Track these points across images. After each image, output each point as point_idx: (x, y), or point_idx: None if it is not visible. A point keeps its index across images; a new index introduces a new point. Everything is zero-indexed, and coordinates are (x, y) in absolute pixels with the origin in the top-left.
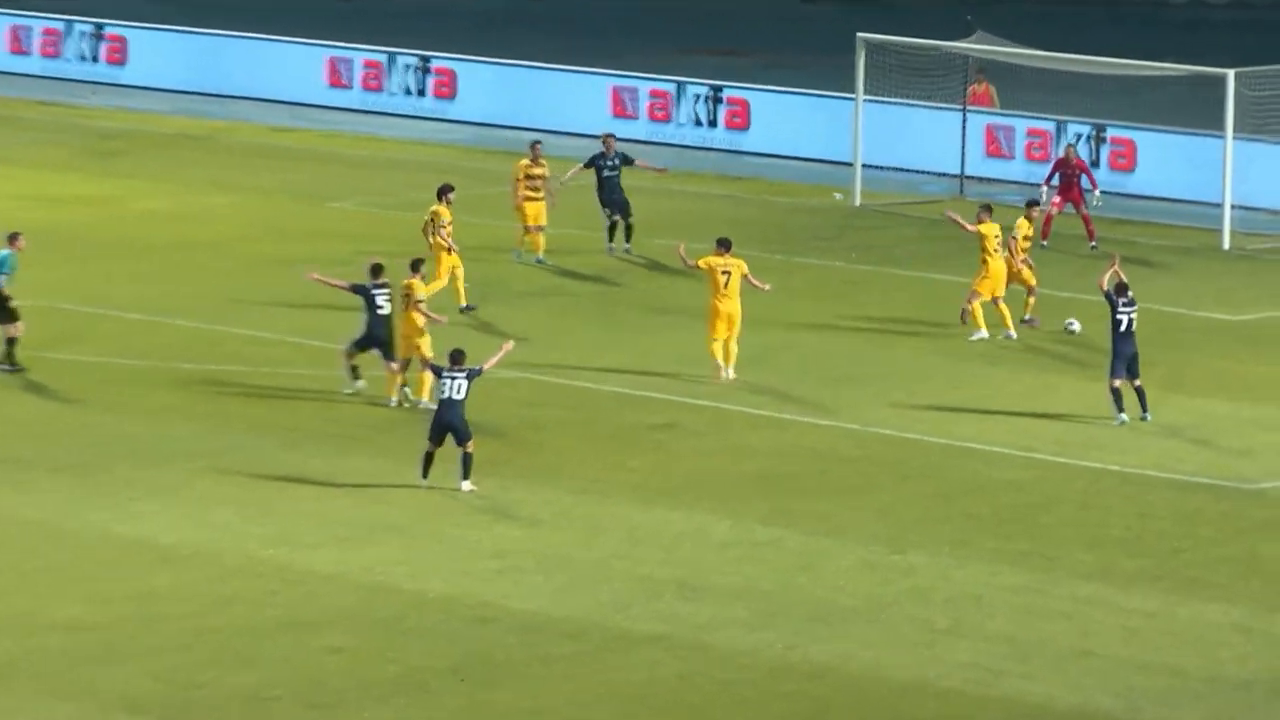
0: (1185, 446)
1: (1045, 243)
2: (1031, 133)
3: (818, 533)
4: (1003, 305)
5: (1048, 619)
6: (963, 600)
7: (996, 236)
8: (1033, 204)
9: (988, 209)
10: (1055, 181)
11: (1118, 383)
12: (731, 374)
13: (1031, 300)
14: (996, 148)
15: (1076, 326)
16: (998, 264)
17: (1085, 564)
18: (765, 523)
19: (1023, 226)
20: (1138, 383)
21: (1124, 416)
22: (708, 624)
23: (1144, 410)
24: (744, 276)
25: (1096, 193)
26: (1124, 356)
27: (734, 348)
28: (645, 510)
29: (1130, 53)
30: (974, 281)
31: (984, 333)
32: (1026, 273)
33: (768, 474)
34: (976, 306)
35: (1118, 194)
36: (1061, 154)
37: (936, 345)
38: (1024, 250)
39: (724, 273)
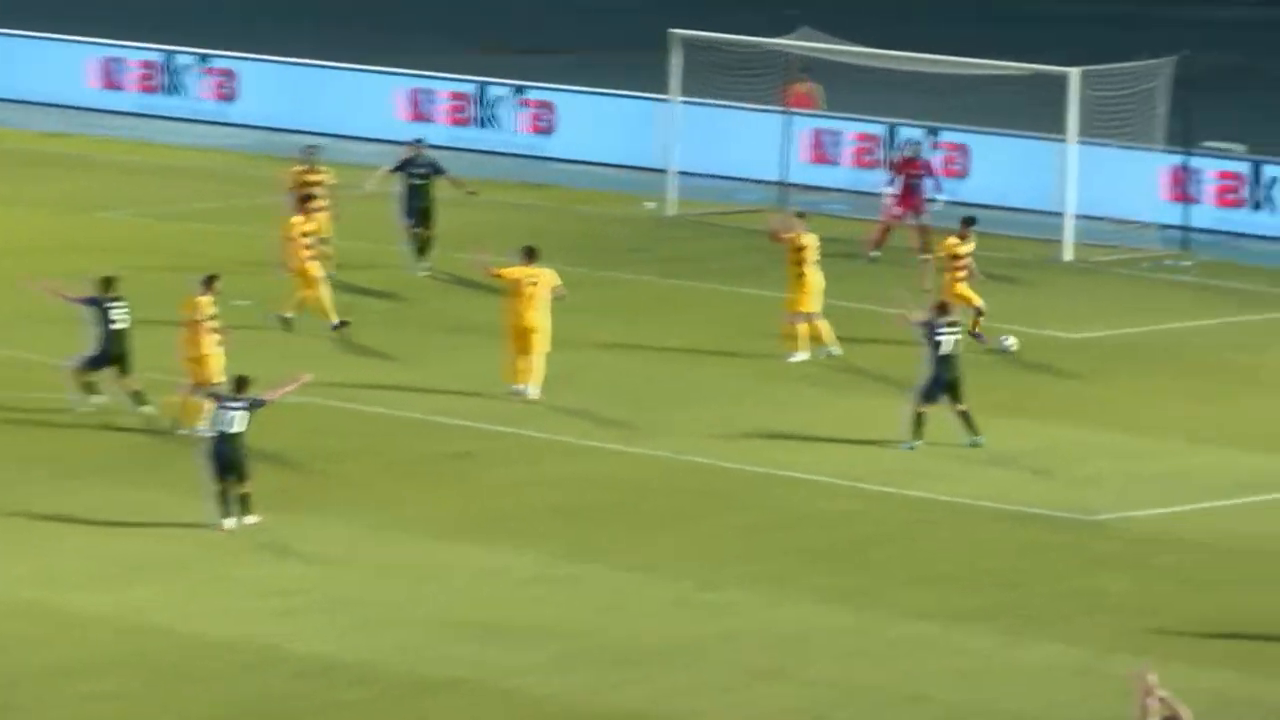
0: (1023, 475)
1: (877, 253)
2: (859, 137)
3: (627, 569)
4: (819, 322)
5: (875, 661)
6: (783, 642)
7: (816, 248)
8: (969, 221)
9: (801, 217)
10: (894, 187)
11: (925, 408)
12: (536, 392)
13: (980, 320)
14: (821, 153)
15: (1011, 343)
16: (815, 277)
17: (915, 602)
18: (570, 558)
19: (955, 244)
20: (961, 406)
21: (917, 444)
22: (508, 668)
23: (974, 434)
24: (550, 289)
25: (941, 198)
26: (942, 382)
27: (540, 365)
28: (441, 545)
29: (966, 50)
30: (793, 299)
31: (803, 354)
32: (964, 290)
33: (573, 505)
34: (802, 328)
35: (951, 202)
36: (905, 154)
37: (755, 366)
38: (962, 268)
39: (530, 284)
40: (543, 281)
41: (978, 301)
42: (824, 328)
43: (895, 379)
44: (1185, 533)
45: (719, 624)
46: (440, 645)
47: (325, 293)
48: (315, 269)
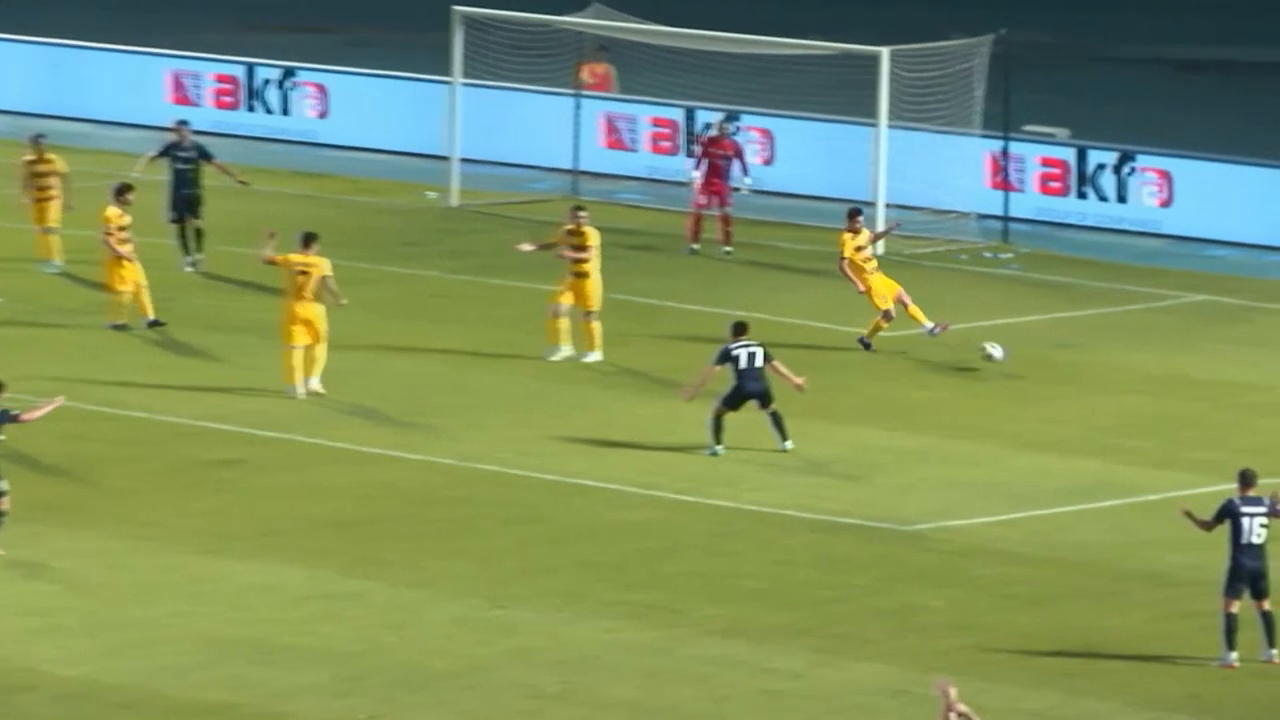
0: (832, 482)
1: (697, 245)
2: (655, 121)
3: (408, 585)
4: (560, 323)
5: (675, 682)
6: (576, 662)
7: (598, 243)
8: (855, 213)
9: (581, 211)
10: (699, 171)
11: (726, 412)
12: (318, 385)
13: (913, 308)
14: (616, 139)
15: (997, 353)
16: (597, 274)
17: (717, 619)
18: (347, 574)
19: (848, 242)
20: (772, 407)
21: (719, 449)
22: (283, 691)
23: (783, 438)
24: (323, 279)
25: (748, 181)
26: (745, 393)
27: (321, 355)
28: (209, 561)
29: (771, 28)
30: (568, 293)
31: (567, 349)
32: (879, 285)
33: (350, 517)
34: (563, 323)
35: (754, 190)
36: (712, 133)
37: (544, 368)
38: (863, 263)
39: (300, 272)
40: (314, 271)
41: (888, 303)
42: (597, 331)
43: (684, 401)
44: (1007, 544)
45: (508, 643)
46: (209, 667)
47: (128, 294)
48: (129, 268)
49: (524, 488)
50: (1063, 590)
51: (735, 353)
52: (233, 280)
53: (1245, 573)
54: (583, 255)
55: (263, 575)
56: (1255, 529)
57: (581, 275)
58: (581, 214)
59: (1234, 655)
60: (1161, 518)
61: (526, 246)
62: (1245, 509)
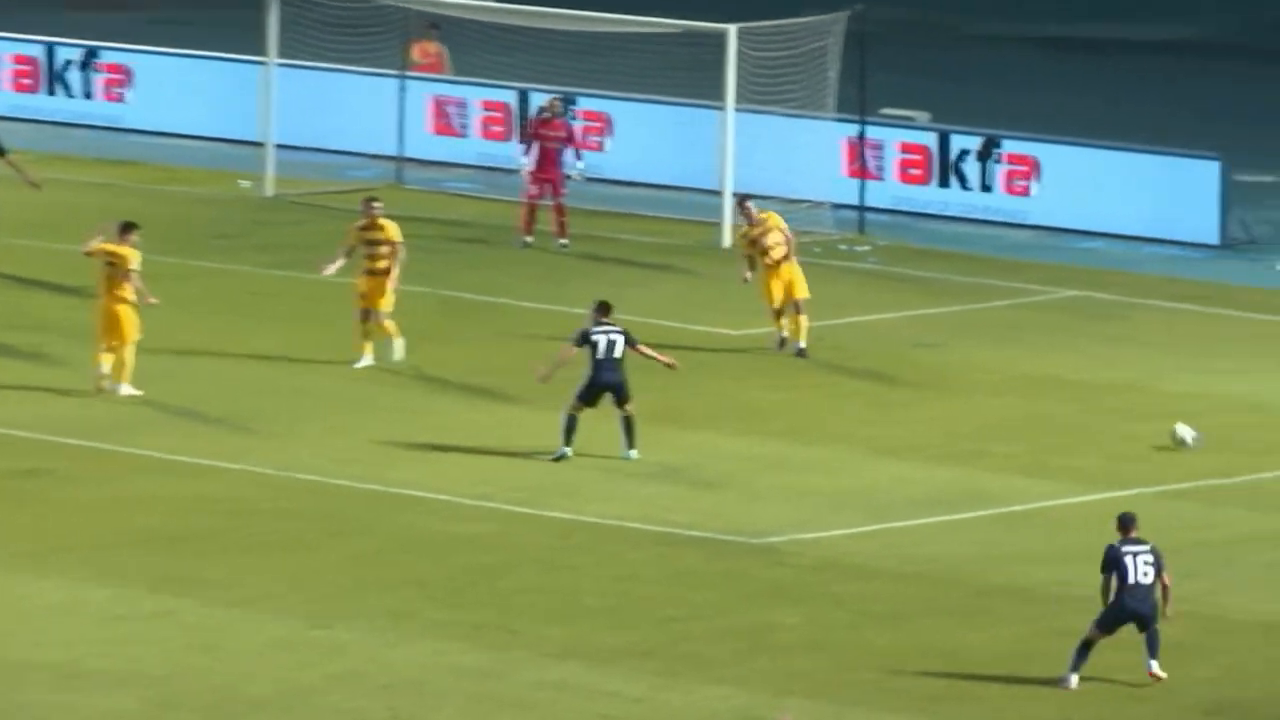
0: (679, 492)
1: (530, 238)
2: (487, 105)
3: (222, 604)
4: (388, 321)
5: (507, 708)
6: (402, 686)
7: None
8: (745, 199)
9: (375, 202)
10: (530, 156)
11: (582, 409)
12: (130, 389)
13: (801, 320)
14: (445, 123)
15: (1189, 437)
16: (395, 271)
17: (554, 639)
18: (157, 592)
19: (747, 231)
20: (628, 407)
21: (567, 451)
22: (88, 717)
23: (629, 445)
24: (128, 273)
25: (580, 165)
26: (600, 385)
27: (128, 358)
28: (8, 579)
29: (609, 4)
30: (372, 295)
31: (369, 359)
32: (773, 285)
33: (159, 531)
34: (387, 324)
35: (589, 178)
36: (542, 115)
37: (368, 370)
38: (762, 254)
39: (107, 263)
40: (121, 263)
41: (776, 303)
42: (388, 329)
43: (530, 386)
44: (864, 557)
45: (330, 666)
46: (9, 693)
47: None
48: None
49: (347, 499)
50: (924, 607)
51: (594, 337)
52: (30, 278)
53: (1128, 614)
54: (383, 265)
55: (66, 594)
56: (1141, 568)
57: (375, 273)
58: (375, 205)
59: (1074, 679)
60: (1028, 529)
61: (330, 268)
62: (1127, 549)
